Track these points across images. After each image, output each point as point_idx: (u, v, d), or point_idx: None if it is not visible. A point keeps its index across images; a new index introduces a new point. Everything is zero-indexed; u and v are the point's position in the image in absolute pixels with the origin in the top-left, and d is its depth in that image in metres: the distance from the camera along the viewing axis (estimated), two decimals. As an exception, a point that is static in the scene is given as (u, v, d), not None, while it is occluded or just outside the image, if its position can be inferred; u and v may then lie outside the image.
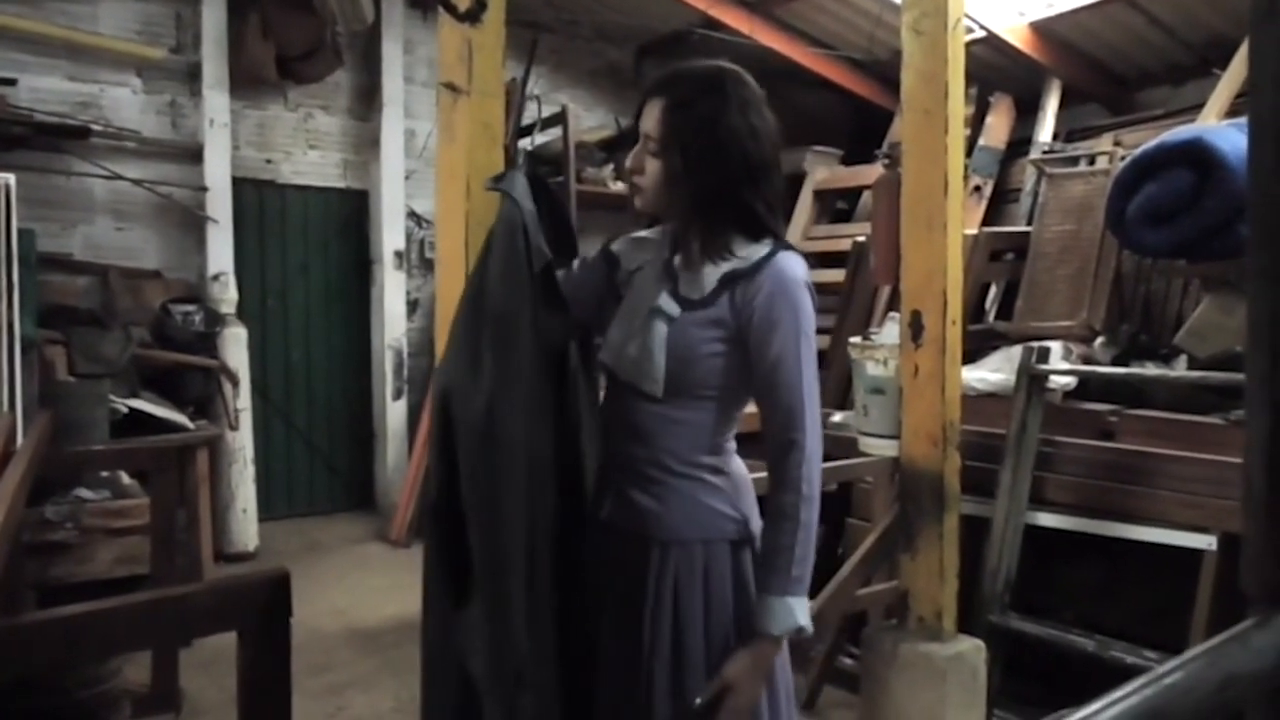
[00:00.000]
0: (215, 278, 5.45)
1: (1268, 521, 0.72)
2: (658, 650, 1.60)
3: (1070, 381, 3.45)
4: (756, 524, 1.65)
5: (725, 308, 1.58)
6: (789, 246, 1.63)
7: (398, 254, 6.20)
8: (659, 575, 1.61)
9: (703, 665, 1.58)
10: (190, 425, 4.52)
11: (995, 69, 5.76)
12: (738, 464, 1.69)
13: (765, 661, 1.58)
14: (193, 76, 5.56)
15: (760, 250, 1.60)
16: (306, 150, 6.10)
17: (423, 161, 6.31)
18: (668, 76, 1.64)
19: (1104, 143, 4.93)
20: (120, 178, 5.31)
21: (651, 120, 1.60)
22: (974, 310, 4.57)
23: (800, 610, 1.55)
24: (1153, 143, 3.43)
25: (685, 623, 1.59)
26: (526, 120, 5.77)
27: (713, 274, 1.60)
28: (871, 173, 5.32)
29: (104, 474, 4.07)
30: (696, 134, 1.57)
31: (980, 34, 5.29)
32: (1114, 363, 3.63)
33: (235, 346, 5.31)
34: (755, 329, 1.57)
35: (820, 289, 6.45)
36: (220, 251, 5.51)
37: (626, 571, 1.64)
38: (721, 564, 1.61)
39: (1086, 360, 3.66)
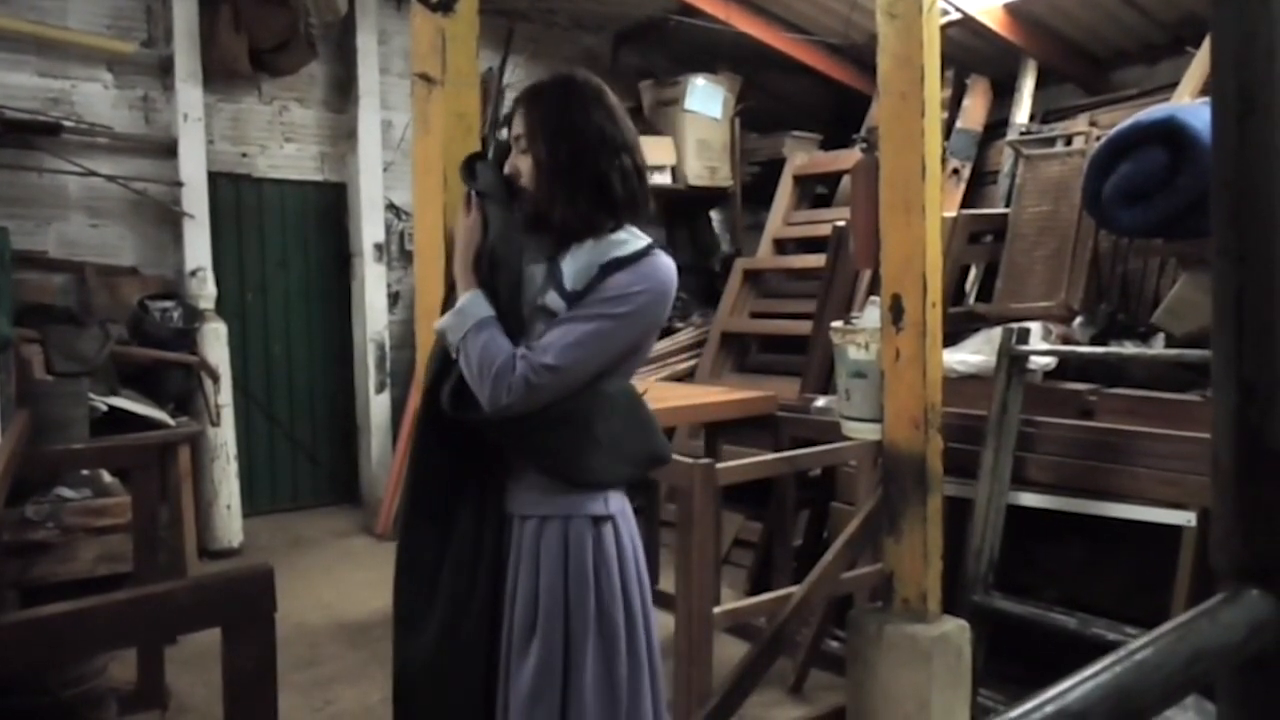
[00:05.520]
0: (193, 273, 5.41)
1: (1235, 498, 0.73)
2: (518, 618, 1.66)
3: (1050, 362, 3.47)
4: (615, 503, 1.72)
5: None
6: (665, 249, 1.71)
7: (377, 246, 6.15)
8: (518, 547, 1.69)
9: (560, 630, 1.63)
10: (171, 422, 4.49)
11: (971, 51, 5.77)
12: None
13: None
14: (165, 70, 5.50)
15: (638, 243, 1.69)
16: (282, 143, 6.05)
17: (400, 153, 6.27)
18: (525, 90, 1.77)
19: (1080, 123, 4.95)
20: (94, 174, 5.25)
21: (517, 126, 1.71)
22: (954, 293, 4.59)
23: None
24: (1127, 122, 3.44)
25: (544, 592, 1.65)
26: (504, 110, 5.75)
27: (594, 264, 1.65)
28: (850, 157, 5.33)
29: (84, 472, 4.03)
30: (549, 115, 1.68)
31: (955, 16, 5.30)
32: (1093, 342, 3.65)
33: (215, 342, 5.27)
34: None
35: (801, 274, 6.39)
36: (197, 247, 5.46)
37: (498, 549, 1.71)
38: (582, 539, 1.67)
39: (1066, 340, 3.69)
